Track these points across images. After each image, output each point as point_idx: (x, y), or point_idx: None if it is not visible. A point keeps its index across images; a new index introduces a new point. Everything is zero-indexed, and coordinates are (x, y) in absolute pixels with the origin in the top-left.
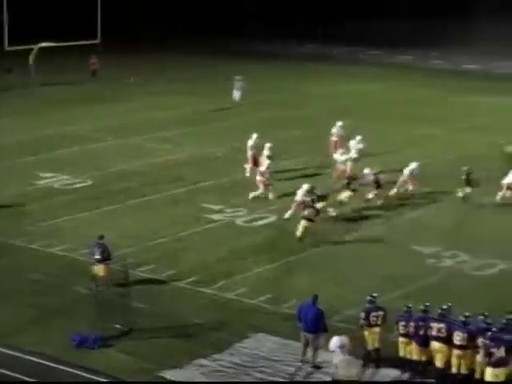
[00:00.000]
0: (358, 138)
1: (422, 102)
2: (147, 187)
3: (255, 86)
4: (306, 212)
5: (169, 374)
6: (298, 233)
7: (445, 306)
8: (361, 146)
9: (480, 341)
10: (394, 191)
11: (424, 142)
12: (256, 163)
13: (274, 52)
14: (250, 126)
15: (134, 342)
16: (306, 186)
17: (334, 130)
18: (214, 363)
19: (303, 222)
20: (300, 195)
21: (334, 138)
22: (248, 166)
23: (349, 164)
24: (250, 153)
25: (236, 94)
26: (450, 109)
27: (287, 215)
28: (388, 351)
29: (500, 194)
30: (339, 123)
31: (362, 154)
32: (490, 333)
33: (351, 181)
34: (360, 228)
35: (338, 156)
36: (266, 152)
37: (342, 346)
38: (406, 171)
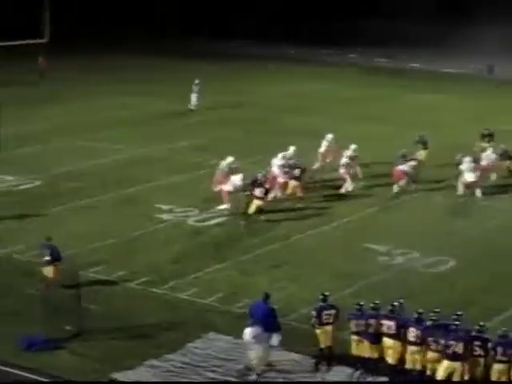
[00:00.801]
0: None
1: (368, 100)
2: (97, 187)
3: (210, 86)
4: (256, 191)
5: (120, 376)
6: (250, 210)
7: (396, 303)
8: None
9: (434, 337)
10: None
11: (370, 139)
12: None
13: (230, 52)
14: (203, 126)
15: (86, 343)
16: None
17: (325, 143)
18: (166, 364)
19: (255, 201)
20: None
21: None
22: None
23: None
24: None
25: (193, 98)
26: (395, 106)
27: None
28: (340, 349)
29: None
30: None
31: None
32: (444, 327)
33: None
34: (314, 225)
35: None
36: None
37: (255, 337)
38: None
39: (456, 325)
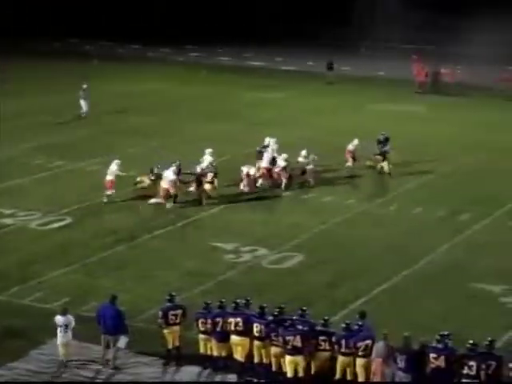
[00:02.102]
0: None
1: (212, 98)
2: None
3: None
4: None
5: None
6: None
7: (243, 300)
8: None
9: (276, 332)
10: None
11: (217, 137)
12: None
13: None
14: (45, 127)
15: None
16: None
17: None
18: (10, 372)
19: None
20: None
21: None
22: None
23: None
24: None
25: (83, 104)
26: (239, 104)
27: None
28: (189, 349)
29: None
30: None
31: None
32: (287, 322)
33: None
34: (161, 225)
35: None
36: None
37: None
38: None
39: (293, 319)
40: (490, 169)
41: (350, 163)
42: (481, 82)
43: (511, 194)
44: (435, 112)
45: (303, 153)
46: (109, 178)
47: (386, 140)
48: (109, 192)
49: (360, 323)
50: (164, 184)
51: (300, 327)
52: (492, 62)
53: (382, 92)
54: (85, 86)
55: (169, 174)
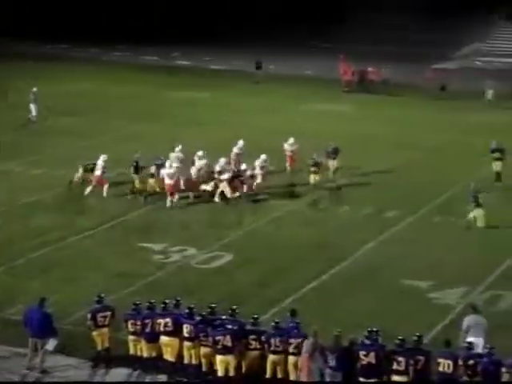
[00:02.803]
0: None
1: (140, 98)
2: None
3: None
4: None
5: None
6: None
7: (173, 301)
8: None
9: (206, 332)
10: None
11: (144, 137)
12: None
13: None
14: None
15: None
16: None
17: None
18: None
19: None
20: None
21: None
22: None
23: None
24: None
25: (32, 108)
26: (166, 104)
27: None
28: (118, 350)
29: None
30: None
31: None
32: (216, 322)
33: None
34: (90, 227)
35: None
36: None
37: None
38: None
39: (222, 319)
40: (416, 167)
41: (288, 165)
42: (407, 81)
43: (436, 192)
44: (362, 111)
45: (263, 157)
46: (97, 173)
47: (335, 151)
48: (105, 186)
49: (291, 321)
50: (168, 180)
51: (230, 327)
52: (418, 61)
53: (309, 91)
54: (34, 90)
55: (168, 169)
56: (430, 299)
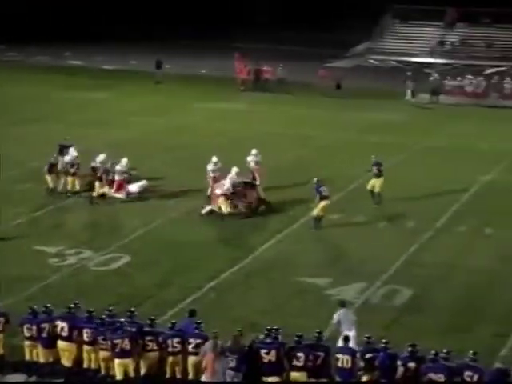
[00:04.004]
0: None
1: (31, 99)
2: None
3: None
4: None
5: None
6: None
7: (71, 304)
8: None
9: (104, 335)
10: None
11: (35, 139)
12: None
13: None
14: None
15: None
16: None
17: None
18: None
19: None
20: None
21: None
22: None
23: None
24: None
25: None
26: (56, 105)
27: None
28: (14, 356)
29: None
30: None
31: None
32: (115, 325)
33: None
34: None
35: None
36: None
37: None
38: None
39: (121, 322)
40: (308, 165)
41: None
42: (302, 79)
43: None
44: (258, 109)
45: (253, 151)
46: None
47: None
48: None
49: (191, 322)
50: (219, 191)
51: (128, 329)
52: (312, 60)
53: (208, 90)
54: None
55: (226, 183)
56: (328, 296)
